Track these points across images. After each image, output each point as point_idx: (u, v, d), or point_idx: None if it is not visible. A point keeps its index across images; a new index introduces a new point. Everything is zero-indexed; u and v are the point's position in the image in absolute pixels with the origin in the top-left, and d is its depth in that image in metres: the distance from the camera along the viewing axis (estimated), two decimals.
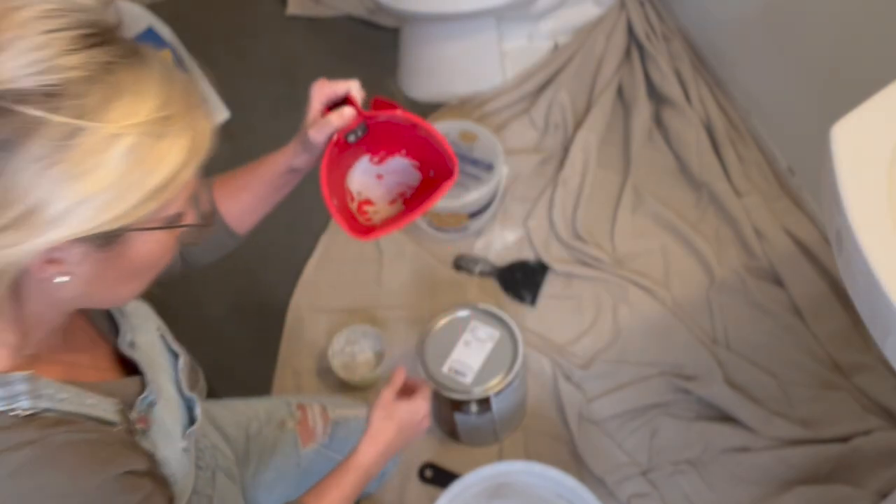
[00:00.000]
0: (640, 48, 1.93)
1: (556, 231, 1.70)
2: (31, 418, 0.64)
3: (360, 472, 0.95)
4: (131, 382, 0.78)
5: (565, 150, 1.82)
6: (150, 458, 0.74)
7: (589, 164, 1.78)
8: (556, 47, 2.00)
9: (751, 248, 1.61)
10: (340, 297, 1.68)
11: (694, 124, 1.78)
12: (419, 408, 1.03)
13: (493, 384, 1.30)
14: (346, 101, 0.89)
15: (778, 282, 1.57)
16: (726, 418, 1.43)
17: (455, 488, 1.19)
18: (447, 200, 1.62)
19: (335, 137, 0.88)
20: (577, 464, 1.43)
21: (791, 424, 1.40)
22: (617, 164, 1.81)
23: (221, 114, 2.01)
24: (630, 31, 1.96)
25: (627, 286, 1.61)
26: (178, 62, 2.03)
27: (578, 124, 1.85)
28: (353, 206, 0.98)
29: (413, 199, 0.97)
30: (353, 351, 1.57)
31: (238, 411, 1.20)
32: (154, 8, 2.18)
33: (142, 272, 0.69)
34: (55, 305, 0.68)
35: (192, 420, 0.84)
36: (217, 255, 1.01)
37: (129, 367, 0.80)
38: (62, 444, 0.64)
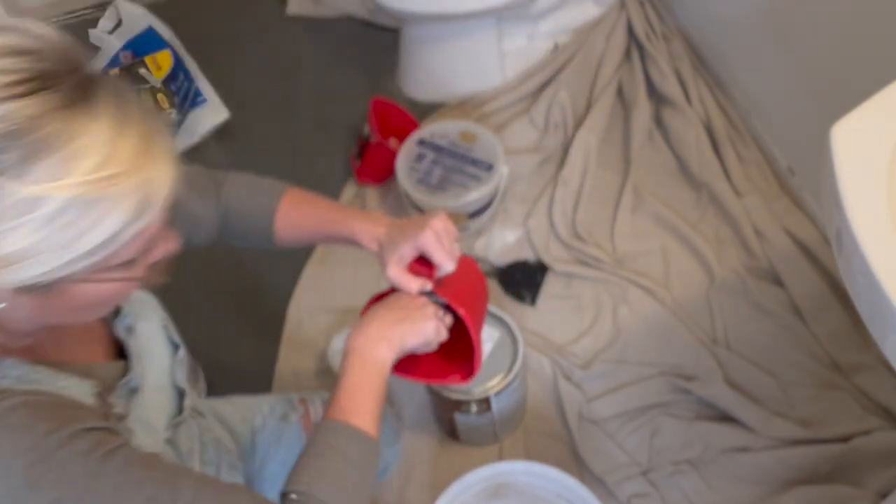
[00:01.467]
0: (640, 48, 1.93)
1: (556, 231, 1.70)
2: None
3: (356, 357, 0.85)
4: (116, 366, 0.77)
5: (565, 150, 1.82)
6: None
7: (589, 164, 1.78)
8: (556, 47, 2.00)
9: (751, 248, 1.61)
10: (340, 297, 1.68)
11: (694, 124, 1.79)
12: (419, 299, 0.92)
13: (493, 384, 1.30)
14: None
15: (778, 282, 1.57)
16: (726, 418, 1.43)
17: (455, 488, 1.19)
18: (447, 200, 1.62)
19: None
20: (577, 464, 1.43)
21: (791, 424, 1.40)
22: (617, 164, 1.81)
23: (221, 114, 2.01)
24: (630, 31, 1.96)
25: (627, 286, 1.61)
26: (178, 62, 2.03)
27: (578, 124, 1.85)
28: None
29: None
30: None
31: (243, 406, 1.20)
32: (154, 8, 2.18)
33: (92, 307, 0.66)
34: (16, 321, 0.65)
35: (180, 411, 0.84)
36: (249, 247, 1.04)
37: (123, 352, 0.81)
38: (16, 406, 0.60)
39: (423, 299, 0.92)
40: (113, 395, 0.73)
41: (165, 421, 0.80)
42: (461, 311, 0.94)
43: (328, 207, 1.00)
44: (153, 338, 0.84)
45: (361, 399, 0.81)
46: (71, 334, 0.74)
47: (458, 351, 1.00)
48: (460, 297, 0.95)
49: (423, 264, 0.94)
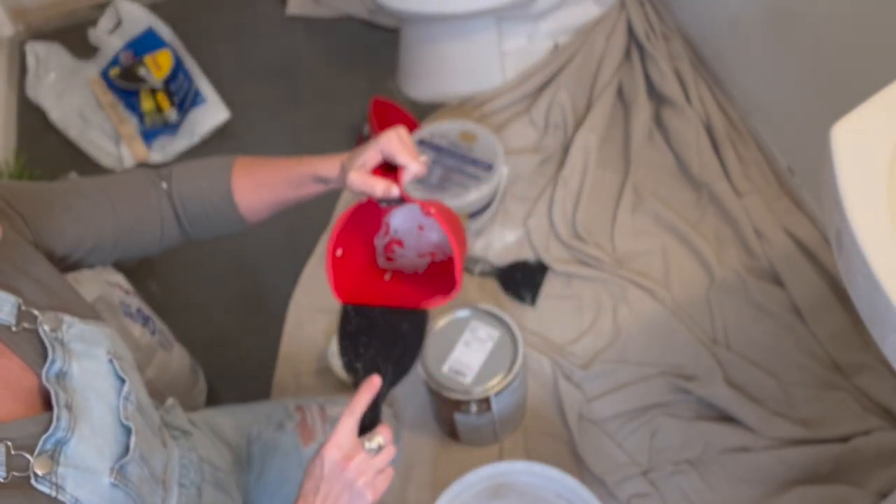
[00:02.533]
0: (640, 48, 1.93)
1: (556, 231, 1.71)
2: None
3: None
4: (36, 421, 0.72)
5: (565, 150, 1.82)
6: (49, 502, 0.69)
7: (589, 164, 1.78)
8: (556, 47, 2.00)
9: (751, 248, 1.61)
10: None
11: (694, 124, 1.79)
12: (364, 466, 0.84)
13: (493, 384, 1.30)
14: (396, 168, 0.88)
15: (778, 282, 1.57)
16: (726, 418, 1.43)
17: (455, 488, 1.19)
18: (447, 200, 1.62)
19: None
20: (577, 464, 1.43)
21: (791, 424, 1.40)
22: (617, 164, 1.81)
23: (221, 114, 2.01)
24: (630, 31, 1.96)
25: (627, 286, 1.61)
26: (178, 62, 2.03)
27: (578, 124, 1.85)
28: (384, 240, 0.98)
29: (437, 266, 0.98)
30: None
31: (238, 416, 1.20)
32: (154, 8, 2.18)
33: None
34: None
35: (126, 450, 0.78)
36: (222, 233, 0.99)
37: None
38: None
39: (358, 460, 0.84)
40: (35, 453, 0.69)
41: (109, 464, 0.75)
42: (432, 211, 0.87)
43: (282, 159, 0.96)
44: (96, 376, 0.78)
45: None
46: None
47: (439, 276, 0.96)
48: (430, 205, 0.88)
49: (387, 172, 0.87)
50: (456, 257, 0.88)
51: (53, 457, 0.71)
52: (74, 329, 0.79)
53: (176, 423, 1.05)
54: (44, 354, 0.75)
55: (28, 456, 0.69)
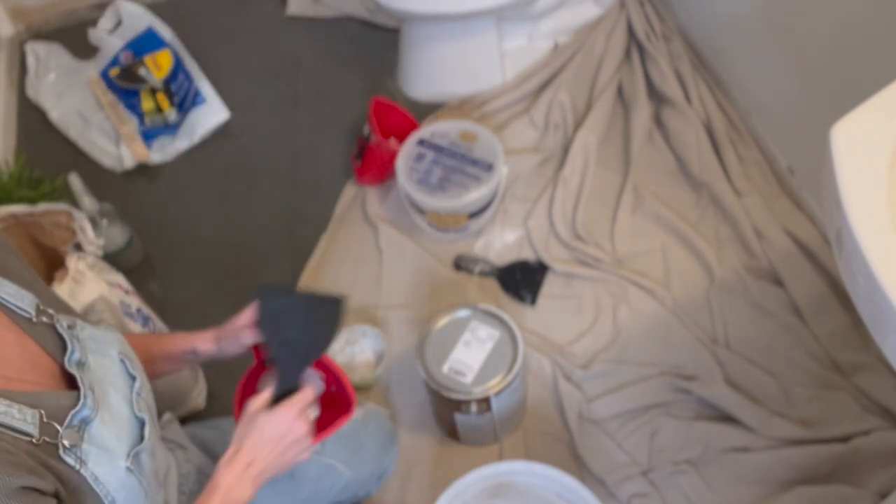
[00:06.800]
0: (640, 48, 1.93)
1: (556, 231, 1.71)
2: None
3: (219, 495, 0.89)
4: (67, 396, 0.78)
5: (565, 150, 1.82)
6: (71, 475, 0.75)
7: (589, 164, 1.78)
8: (556, 47, 2.00)
9: (751, 248, 1.61)
10: None
11: (694, 124, 1.79)
12: (284, 417, 0.94)
13: (493, 384, 1.30)
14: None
15: (778, 282, 1.57)
16: (726, 418, 1.43)
17: (455, 488, 1.19)
18: (447, 200, 1.62)
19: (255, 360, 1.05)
20: (577, 464, 1.43)
21: (791, 424, 1.40)
22: (617, 164, 1.81)
23: (221, 114, 2.01)
24: (630, 31, 1.96)
25: (627, 286, 1.61)
26: (178, 62, 2.03)
27: (578, 124, 1.85)
28: None
29: (321, 418, 1.08)
30: (353, 351, 1.57)
31: (226, 430, 1.20)
32: (154, 8, 2.18)
33: None
34: None
35: (141, 439, 0.84)
36: None
37: (76, 385, 0.81)
38: None
39: (292, 416, 0.95)
40: (64, 425, 0.75)
41: (126, 449, 0.81)
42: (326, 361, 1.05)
43: (153, 337, 1.07)
44: (110, 370, 0.85)
45: None
46: (17, 367, 0.76)
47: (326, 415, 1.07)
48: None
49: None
50: (343, 380, 1.04)
51: (79, 432, 0.77)
52: (87, 331, 0.86)
53: (171, 437, 1.07)
54: (62, 346, 0.82)
55: (58, 426, 0.75)
